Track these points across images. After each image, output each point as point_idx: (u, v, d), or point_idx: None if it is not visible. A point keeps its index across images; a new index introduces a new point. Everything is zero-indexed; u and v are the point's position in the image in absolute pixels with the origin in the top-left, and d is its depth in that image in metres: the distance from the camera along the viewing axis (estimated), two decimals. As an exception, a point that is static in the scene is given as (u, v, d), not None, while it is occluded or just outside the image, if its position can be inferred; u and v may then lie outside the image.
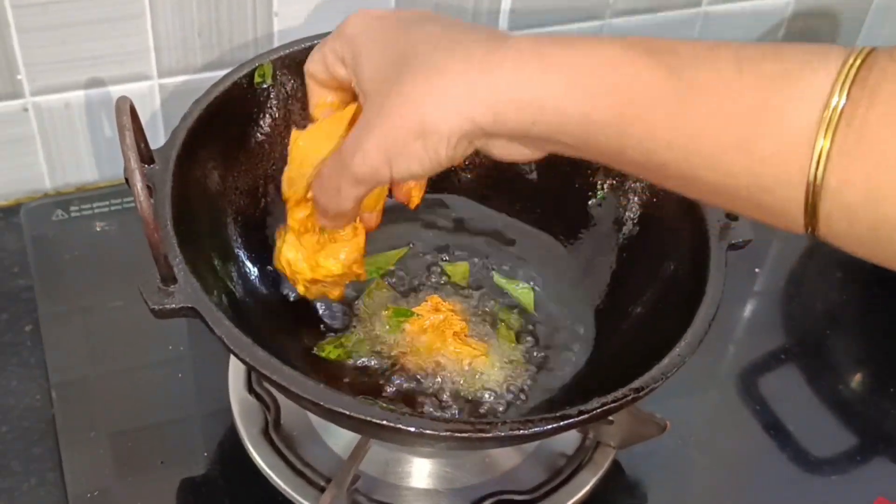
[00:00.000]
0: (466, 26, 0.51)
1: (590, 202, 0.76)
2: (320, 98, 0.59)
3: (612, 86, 0.45)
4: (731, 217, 0.65)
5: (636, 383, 0.57)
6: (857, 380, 0.83)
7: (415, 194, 0.63)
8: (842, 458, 0.76)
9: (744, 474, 0.74)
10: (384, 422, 0.53)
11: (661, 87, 0.44)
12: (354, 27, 0.54)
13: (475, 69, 0.47)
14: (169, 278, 0.56)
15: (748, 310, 0.87)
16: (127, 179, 0.61)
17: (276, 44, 0.85)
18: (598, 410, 0.55)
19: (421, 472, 0.69)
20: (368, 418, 0.53)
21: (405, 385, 0.68)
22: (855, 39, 1.13)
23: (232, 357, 0.72)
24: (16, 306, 0.78)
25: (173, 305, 0.55)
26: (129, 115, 0.54)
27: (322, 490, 0.66)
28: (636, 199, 0.73)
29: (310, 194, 0.59)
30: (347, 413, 0.53)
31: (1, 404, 0.72)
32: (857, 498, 0.73)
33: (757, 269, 0.89)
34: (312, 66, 0.58)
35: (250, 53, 0.84)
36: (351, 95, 0.58)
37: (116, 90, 0.83)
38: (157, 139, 0.84)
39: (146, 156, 0.61)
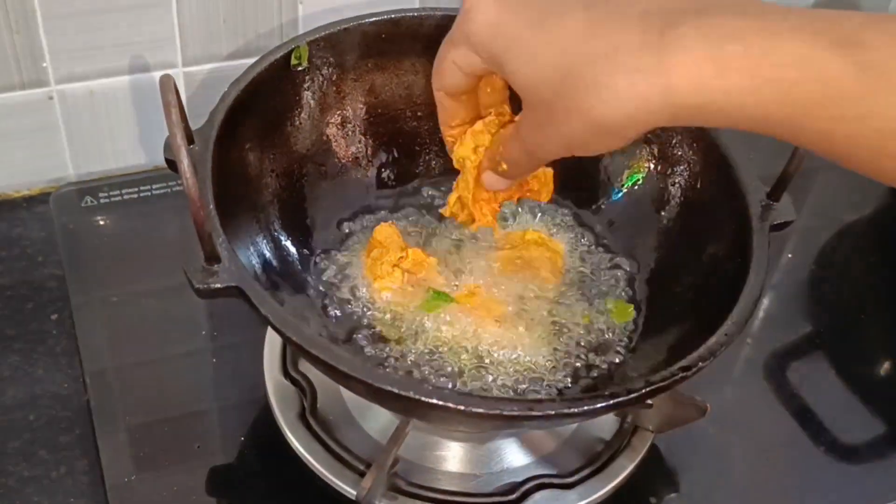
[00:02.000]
0: (609, 9, 0.48)
1: (624, 185, 0.76)
2: (454, 114, 0.59)
3: (796, 88, 0.43)
4: (773, 197, 0.65)
5: (684, 362, 0.56)
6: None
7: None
8: (878, 443, 0.76)
9: (780, 460, 0.74)
10: (434, 400, 0.52)
11: (849, 88, 0.42)
12: (480, 27, 0.51)
13: (643, 82, 0.45)
14: (213, 257, 0.55)
15: (780, 294, 0.86)
16: (167, 160, 0.61)
17: (301, 30, 0.85)
18: (647, 390, 0.55)
19: (457, 456, 0.68)
20: (418, 397, 0.52)
21: (444, 367, 0.67)
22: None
23: (267, 342, 0.72)
24: (41, 295, 0.78)
25: (218, 285, 0.55)
26: (174, 92, 0.53)
27: (361, 474, 0.65)
28: (677, 180, 0.73)
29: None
30: (396, 392, 0.52)
31: (28, 393, 0.71)
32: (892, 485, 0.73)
33: (790, 255, 0.89)
34: (446, 80, 0.56)
35: (275, 40, 0.84)
36: (475, 110, 0.59)
37: (141, 78, 0.83)
38: (183, 126, 0.83)
39: (187, 135, 0.61)
